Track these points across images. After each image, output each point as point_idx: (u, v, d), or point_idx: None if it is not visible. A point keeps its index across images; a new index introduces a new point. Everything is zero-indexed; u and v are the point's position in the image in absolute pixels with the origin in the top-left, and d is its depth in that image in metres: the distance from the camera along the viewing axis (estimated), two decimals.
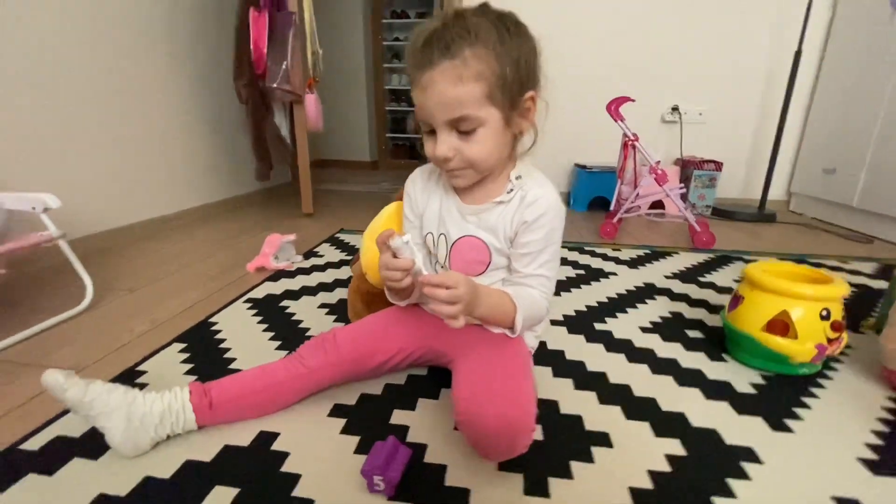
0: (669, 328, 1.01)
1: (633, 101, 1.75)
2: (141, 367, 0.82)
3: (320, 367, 0.70)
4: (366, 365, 0.73)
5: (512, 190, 0.66)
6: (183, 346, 0.90)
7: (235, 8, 1.89)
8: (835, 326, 0.77)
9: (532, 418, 0.57)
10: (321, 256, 1.50)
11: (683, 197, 1.84)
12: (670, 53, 2.32)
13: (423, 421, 0.68)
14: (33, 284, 1.20)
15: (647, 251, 1.62)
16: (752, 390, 0.77)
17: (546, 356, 0.88)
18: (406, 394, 0.75)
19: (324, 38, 3.72)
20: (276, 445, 0.63)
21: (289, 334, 0.95)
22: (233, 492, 0.55)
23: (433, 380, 0.79)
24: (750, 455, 0.62)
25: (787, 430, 0.67)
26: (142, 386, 0.72)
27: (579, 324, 1.02)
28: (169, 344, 0.90)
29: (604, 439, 0.65)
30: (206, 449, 0.61)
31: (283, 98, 1.89)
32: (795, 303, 0.77)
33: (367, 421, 0.68)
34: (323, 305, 1.10)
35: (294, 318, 1.03)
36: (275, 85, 1.77)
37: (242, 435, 0.64)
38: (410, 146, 4.43)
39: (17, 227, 1.03)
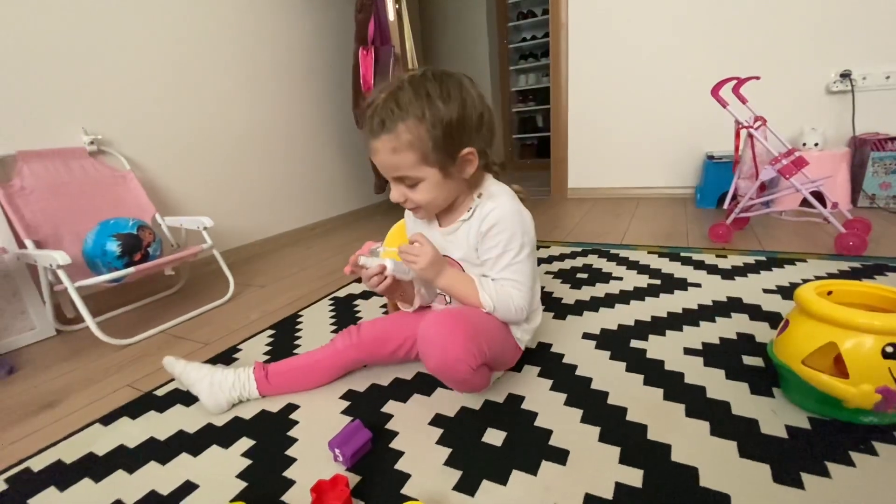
0: (721, 353, 0.88)
1: (756, 79, 1.50)
2: (240, 346, 1.11)
3: (346, 349, 0.87)
4: (381, 349, 0.87)
5: (472, 209, 0.74)
6: (272, 332, 1.17)
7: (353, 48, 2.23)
8: None
9: (469, 359, 0.68)
10: None
11: (817, 195, 1.47)
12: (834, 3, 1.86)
13: (407, 413, 0.79)
14: (199, 282, 1.68)
15: (763, 258, 1.36)
16: (781, 434, 0.65)
17: (555, 368, 0.87)
18: (405, 388, 0.86)
19: (447, 51, 4.05)
20: (294, 415, 0.81)
21: None
22: (251, 442, 0.75)
23: (435, 380, 0.87)
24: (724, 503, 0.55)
25: (797, 485, 0.56)
26: (234, 361, 1.00)
27: (612, 340, 0.97)
28: (264, 331, 1.19)
29: (556, 456, 0.65)
30: (251, 411, 0.84)
31: None
32: (846, 333, 0.62)
33: (365, 406, 0.82)
34: (384, 306, 1.28)
35: (358, 314, 1.23)
36: None
37: (277, 404, 0.85)
38: (538, 145, 4.41)
39: (190, 241, 1.48)
